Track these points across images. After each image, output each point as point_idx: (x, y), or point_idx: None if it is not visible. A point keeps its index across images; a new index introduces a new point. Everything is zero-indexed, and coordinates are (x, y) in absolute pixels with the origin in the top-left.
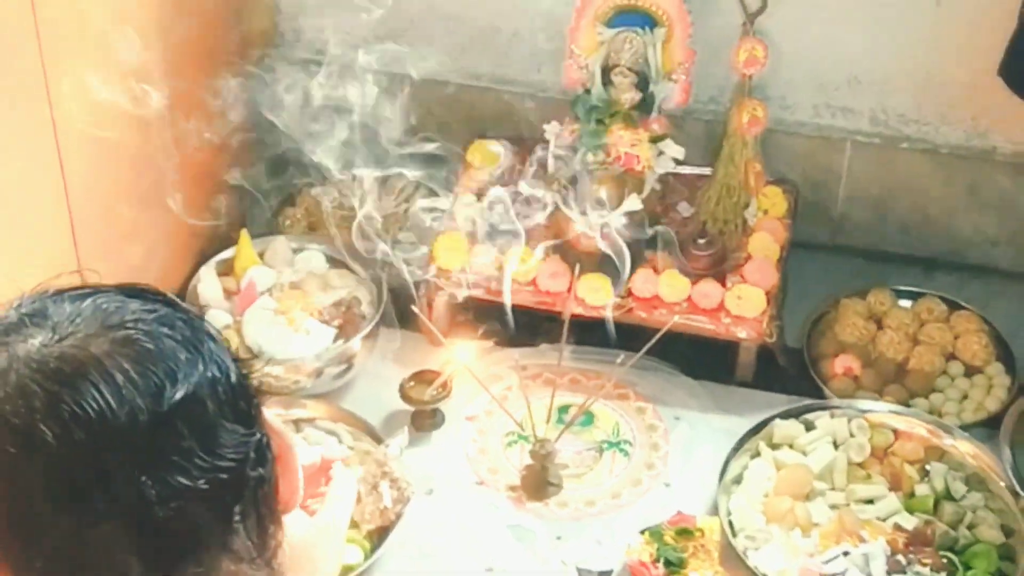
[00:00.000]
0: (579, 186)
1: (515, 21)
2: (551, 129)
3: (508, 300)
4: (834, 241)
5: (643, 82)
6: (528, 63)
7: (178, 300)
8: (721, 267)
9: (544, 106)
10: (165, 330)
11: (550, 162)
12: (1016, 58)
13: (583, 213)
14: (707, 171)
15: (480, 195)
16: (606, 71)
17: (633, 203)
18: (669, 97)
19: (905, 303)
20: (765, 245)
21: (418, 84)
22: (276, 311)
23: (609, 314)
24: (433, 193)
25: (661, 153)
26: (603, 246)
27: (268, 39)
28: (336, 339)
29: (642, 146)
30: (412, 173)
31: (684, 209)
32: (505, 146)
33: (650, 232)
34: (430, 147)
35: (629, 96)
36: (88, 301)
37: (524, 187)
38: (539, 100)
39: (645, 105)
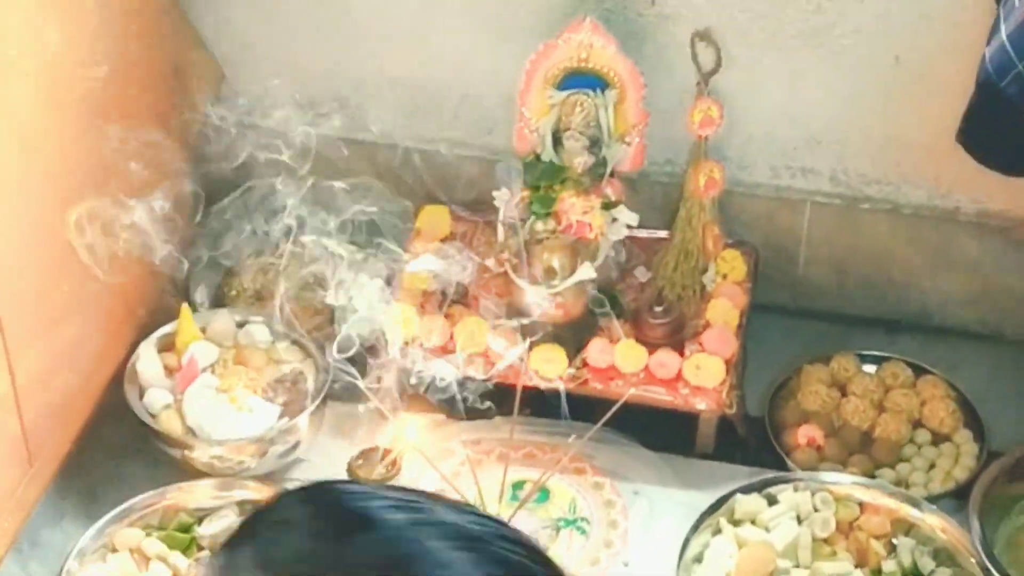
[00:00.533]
0: (530, 255)
1: (464, 83)
2: (501, 196)
3: (459, 372)
4: (796, 304)
5: (595, 145)
6: (478, 125)
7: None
8: (679, 335)
9: (495, 169)
10: None
11: (499, 230)
12: (974, 125)
13: (535, 282)
14: (664, 234)
15: (431, 262)
16: (557, 135)
17: (586, 271)
18: (623, 160)
19: (869, 368)
20: (724, 311)
21: (366, 147)
22: (218, 389)
23: (563, 386)
24: (381, 260)
25: (615, 220)
26: (556, 316)
27: (211, 101)
28: (281, 416)
29: (594, 213)
30: (359, 240)
31: (641, 274)
32: (456, 212)
33: (605, 300)
34: (378, 213)
35: (581, 160)
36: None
37: (475, 256)
38: (490, 163)
39: (598, 169)
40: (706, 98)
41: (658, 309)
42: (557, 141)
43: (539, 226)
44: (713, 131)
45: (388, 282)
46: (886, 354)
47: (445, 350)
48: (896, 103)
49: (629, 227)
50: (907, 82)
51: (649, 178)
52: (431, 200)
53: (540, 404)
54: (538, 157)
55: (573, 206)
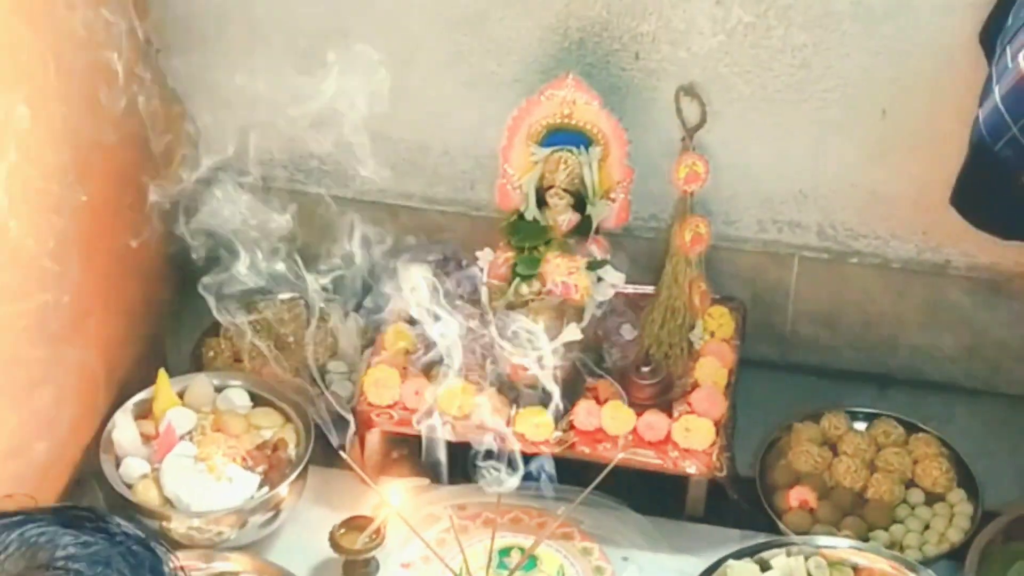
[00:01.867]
0: (515, 316)
1: (445, 139)
2: (484, 257)
3: (444, 436)
4: (785, 359)
5: (580, 203)
6: (460, 181)
7: (121, 523)
8: (667, 396)
9: (479, 225)
10: (100, 569)
11: (482, 292)
12: (968, 187)
13: (519, 345)
14: (650, 290)
15: (413, 323)
16: (541, 192)
17: (572, 333)
18: (608, 217)
19: (860, 426)
20: (713, 371)
21: (347, 204)
22: (196, 457)
23: (550, 450)
24: (364, 319)
25: (600, 280)
26: (542, 379)
27: (187, 162)
28: (261, 485)
29: (580, 274)
30: (340, 299)
31: (627, 332)
32: (440, 270)
33: (591, 362)
34: (360, 272)
35: (565, 218)
36: (15, 534)
37: (459, 316)
38: (473, 219)
39: (583, 227)
40: (691, 153)
41: (645, 369)
42: (540, 199)
43: (523, 289)
44: (699, 186)
45: (370, 343)
46: (877, 411)
47: (428, 414)
48: (883, 157)
49: (614, 286)
50: (894, 136)
51: (634, 234)
52: (414, 258)
53: (527, 468)
54: (521, 216)
55: (558, 267)
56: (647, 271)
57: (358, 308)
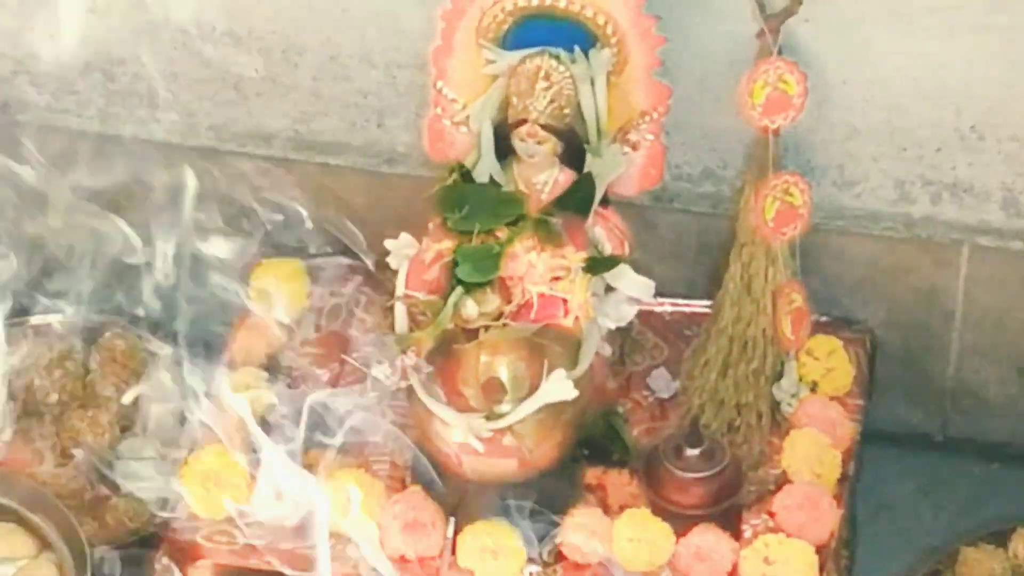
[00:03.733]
0: (457, 359)
1: (329, 35)
2: (398, 249)
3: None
4: (945, 432)
5: (573, 151)
6: (356, 111)
7: None
8: (731, 500)
9: (390, 191)
10: None
11: (397, 313)
12: None
13: (464, 408)
14: (703, 307)
15: (271, 369)
16: (503, 131)
17: (559, 388)
18: (624, 177)
19: None
20: (815, 454)
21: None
22: None
23: None
24: (187, 362)
25: (611, 290)
26: (506, 470)
27: None
28: None
29: (573, 280)
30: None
31: (661, 384)
32: (322, 270)
33: (596, 438)
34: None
35: (547, 177)
36: None
37: (354, 359)
38: (380, 180)
39: (578, 194)
40: (775, 60)
41: (693, 452)
42: (503, 144)
43: (470, 307)
44: (790, 119)
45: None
46: None
47: (298, 535)
48: None
49: (637, 301)
50: None
51: (673, 206)
52: (274, 247)
53: None
54: (467, 173)
55: (533, 268)
56: (697, 274)
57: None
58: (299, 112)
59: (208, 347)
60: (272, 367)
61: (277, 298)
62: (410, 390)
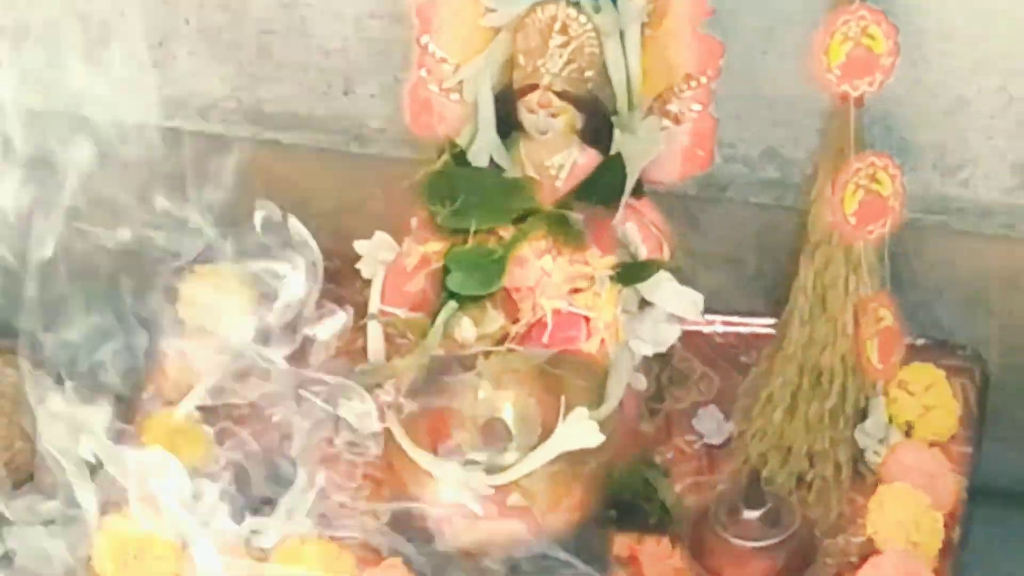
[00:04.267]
0: (446, 394)
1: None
2: (372, 252)
3: None
4: None
5: (597, 124)
6: (319, 76)
7: None
8: (801, 574)
9: (361, 176)
10: None
11: (374, 339)
12: None
13: (458, 455)
14: (765, 328)
15: (207, 408)
16: (508, 99)
17: (578, 431)
18: (664, 159)
19: None
20: (909, 516)
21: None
22: None
23: None
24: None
25: (646, 305)
26: (507, 537)
27: None
28: None
29: (597, 294)
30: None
31: (711, 427)
32: (273, 280)
33: (629, 494)
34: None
35: (562, 160)
36: None
37: (315, 392)
38: (350, 163)
39: (604, 181)
40: (858, 8)
41: (751, 514)
42: (507, 115)
43: (465, 328)
44: (875, 85)
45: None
46: None
47: None
48: None
49: (680, 320)
50: None
51: (726, 196)
52: (211, 250)
53: None
54: (459, 154)
55: (546, 276)
56: (757, 285)
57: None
58: (243, 76)
59: (126, 379)
60: (208, 405)
61: (215, 316)
62: (388, 435)
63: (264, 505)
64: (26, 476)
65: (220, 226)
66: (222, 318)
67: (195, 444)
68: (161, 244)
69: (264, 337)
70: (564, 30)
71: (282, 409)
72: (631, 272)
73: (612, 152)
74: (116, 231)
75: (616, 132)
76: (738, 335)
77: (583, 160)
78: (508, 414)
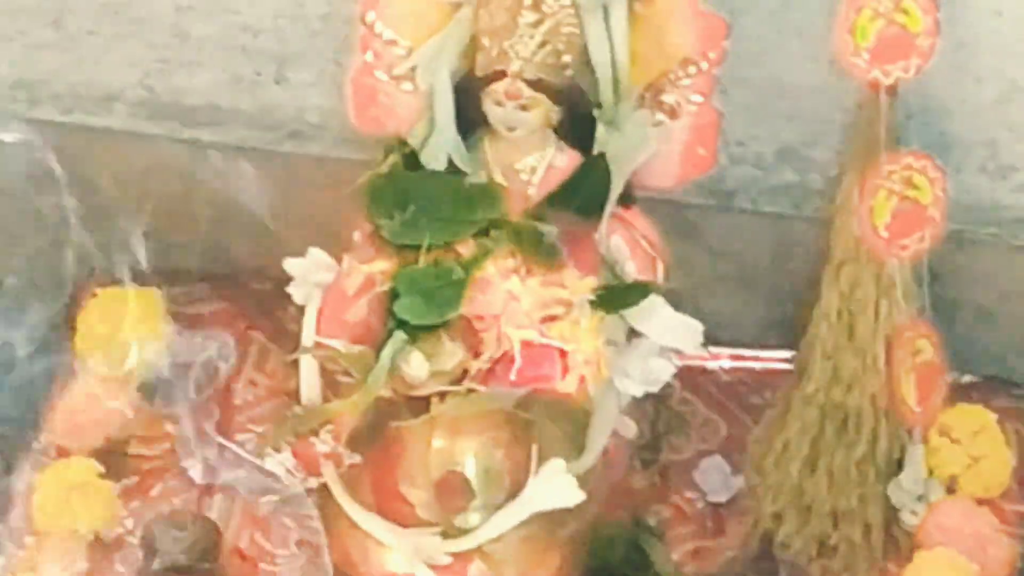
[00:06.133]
0: (398, 445)
1: None
2: (305, 272)
3: None
4: None
5: (577, 120)
6: (247, 60)
7: None
8: None
9: (290, 180)
10: None
11: (308, 377)
12: None
13: (405, 524)
14: (780, 362)
15: (109, 462)
16: (470, 89)
17: (554, 487)
18: (659, 161)
19: None
20: None
21: None
22: None
23: None
24: None
25: (636, 336)
26: None
27: None
28: None
29: (576, 323)
30: None
31: (715, 482)
32: (188, 305)
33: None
34: None
35: (535, 161)
36: None
37: (237, 442)
38: (276, 166)
39: (585, 187)
40: None
41: None
42: (469, 108)
43: (416, 364)
44: (912, 71)
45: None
46: None
47: None
48: None
49: (676, 354)
50: None
51: (734, 204)
52: (111, 270)
53: None
54: (411, 154)
55: (515, 301)
56: (771, 310)
57: None
58: (155, 60)
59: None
60: (111, 458)
61: (119, 350)
62: (325, 492)
63: None
64: None
65: (125, 237)
66: (128, 350)
67: (97, 503)
68: (53, 264)
69: (180, 375)
70: (536, 6)
71: (199, 461)
72: (617, 296)
73: (595, 152)
74: None
75: (599, 128)
76: (748, 372)
77: (560, 162)
78: (469, 467)
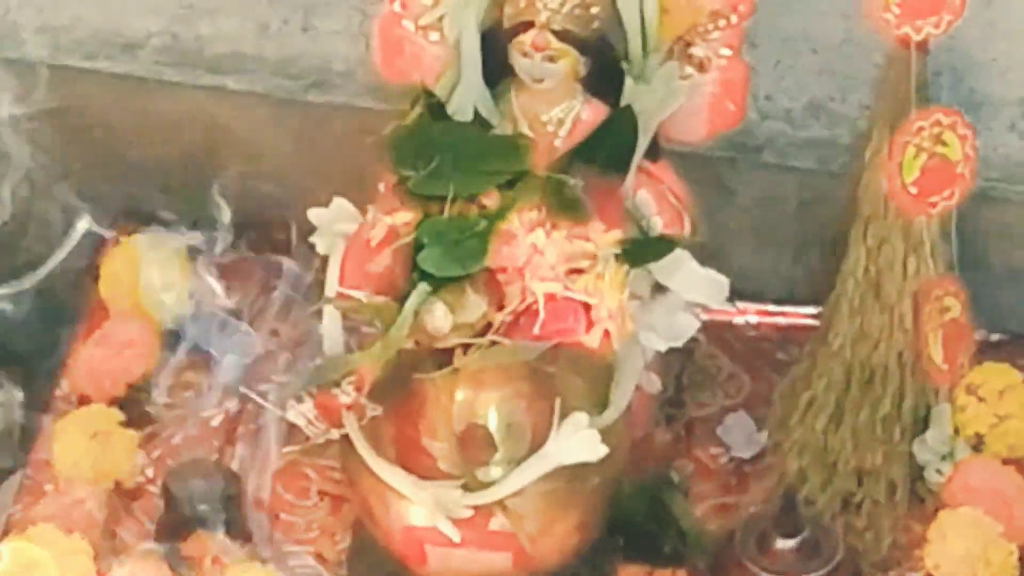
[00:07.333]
0: (420, 398)
1: None
2: (329, 221)
3: None
4: None
5: (604, 72)
6: (271, 8)
7: None
8: None
9: (315, 129)
10: None
11: (330, 328)
12: None
13: (427, 476)
14: (806, 318)
15: (131, 408)
16: (497, 40)
17: (577, 441)
18: (687, 114)
19: None
20: (977, 547)
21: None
22: None
23: None
24: None
25: (661, 290)
26: (490, 569)
27: None
28: None
29: (601, 277)
30: None
31: (739, 438)
32: (211, 254)
33: (640, 516)
34: None
35: (562, 113)
36: None
37: (259, 391)
38: (301, 115)
39: (611, 140)
40: None
41: (787, 543)
42: (496, 59)
43: (440, 316)
44: (943, 26)
45: None
46: None
47: None
48: None
49: (702, 309)
50: None
51: (762, 159)
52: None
53: None
54: (436, 105)
55: (539, 254)
56: (797, 266)
57: None
58: (179, 7)
59: (30, 371)
60: (132, 404)
61: (144, 296)
62: (346, 444)
63: (200, 525)
64: None
65: (150, 189)
66: (152, 296)
67: (117, 451)
68: (77, 211)
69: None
70: None
71: (219, 411)
72: (642, 250)
73: (622, 105)
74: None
75: (627, 81)
76: (774, 327)
77: (587, 114)
78: (491, 420)
